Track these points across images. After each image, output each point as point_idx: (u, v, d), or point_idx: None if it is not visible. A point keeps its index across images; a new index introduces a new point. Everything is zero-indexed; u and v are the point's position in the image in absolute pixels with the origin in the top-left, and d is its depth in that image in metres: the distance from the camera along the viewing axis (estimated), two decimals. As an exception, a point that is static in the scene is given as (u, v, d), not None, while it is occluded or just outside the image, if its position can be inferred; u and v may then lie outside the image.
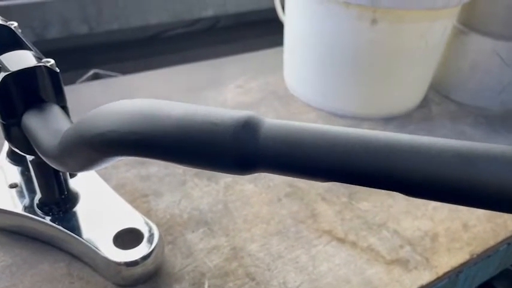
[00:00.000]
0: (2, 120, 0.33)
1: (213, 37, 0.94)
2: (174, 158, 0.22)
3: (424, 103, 0.67)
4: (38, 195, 0.40)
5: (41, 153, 0.30)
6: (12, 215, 0.40)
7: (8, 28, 0.38)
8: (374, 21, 0.54)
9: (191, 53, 0.92)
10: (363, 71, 0.59)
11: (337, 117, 0.62)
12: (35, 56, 0.34)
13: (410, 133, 0.64)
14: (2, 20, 0.38)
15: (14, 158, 0.45)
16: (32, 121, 0.32)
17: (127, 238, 0.38)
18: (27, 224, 0.40)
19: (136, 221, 0.39)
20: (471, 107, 0.67)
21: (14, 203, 0.41)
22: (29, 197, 0.41)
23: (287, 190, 0.49)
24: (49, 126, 0.30)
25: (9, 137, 0.34)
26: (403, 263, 0.42)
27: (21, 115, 0.33)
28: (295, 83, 0.66)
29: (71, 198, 0.40)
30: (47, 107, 0.33)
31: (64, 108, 0.35)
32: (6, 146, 0.47)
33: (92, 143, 0.24)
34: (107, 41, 0.81)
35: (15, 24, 0.39)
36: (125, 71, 0.78)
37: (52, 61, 0.34)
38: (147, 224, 0.39)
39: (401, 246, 0.43)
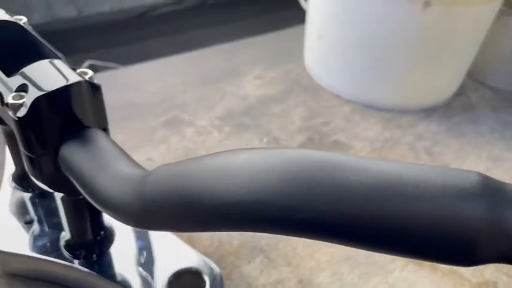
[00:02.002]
0: (30, 152, 0.25)
1: (203, 17, 0.85)
2: (379, 245, 0.15)
3: (460, 90, 0.62)
4: (66, 236, 0.32)
5: (97, 201, 0.22)
6: (30, 259, 0.32)
7: (17, 25, 0.29)
8: (427, 4, 0.47)
9: (184, 33, 0.83)
10: (407, 58, 0.52)
11: (374, 110, 0.56)
12: (69, 67, 0.25)
13: (455, 125, 0.60)
14: (7, 14, 0.29)
15: (22, 183, 0.37)
16: (77, 156, 0.24)
17: (184, 283, 0.31)
18: (50, 269, 0.33)
19: (191, 259, 0.32)
20: (507, 92, 0.62)
21: (31, 244, 0.33)
22: (51, 235, 0.33)
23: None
24: (106, 165, 0.23)
25: (37, 173, 0.26)
26: (490, 286, 0.37)
27: (57, 146, 0.25)
28: (323, 72, 0.59)
29: (107, 237, 0.33)
30: (91, 134, 0.25)
31: (105, 131, 0.27)
32: (10, 167, 0.38)
33: (218, 213, 0.17)
34: (96, 24, 0.71)
35: (24, 19, 0.30)
36: (117, 58, 0.69)
37: (90, 72, 0.26)
38: (205, 263, 0.32)
39: (484, 267, 0.38)
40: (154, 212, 0.20)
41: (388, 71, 0.54)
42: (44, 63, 0.25)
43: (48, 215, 0.35)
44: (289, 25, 0.89)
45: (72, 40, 0.63)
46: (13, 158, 0.36)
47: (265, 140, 0.50)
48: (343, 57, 0.56)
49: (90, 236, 0.31)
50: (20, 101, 0.24)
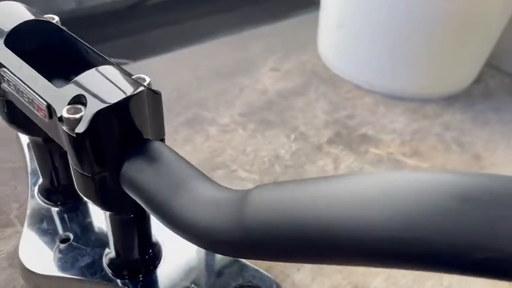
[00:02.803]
0: (85, 171, 0.22)
1: (202, 5, 0.81)
2: None
3: (478, 77, 0.60)
4: (110, 254, 0.30)
5: (176, 225, 0.20)
6: (70, 280, 0.30)
7: (52, 25, 0.26)
8: (458, -10, 0.45)
9: (184, 23, 0.80)
10: (431, 45, 0.51)
11: (396, 100, 0.54)
12: (125, 73, 0.23)
13: (479, 114, 0.59)
14: (38, 13, 0.26)
15: (50, 197, 0.34)
16: (145, 175, 0.21)
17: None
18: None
19: (248, 273, 0.30)
20: (524, 77, 0.62)
21: (71, 264, 0.30)
22: (91, 254, 0.30)
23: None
24: (183, 185, 0.20)
25: (90, 192, 0.23)
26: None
27: (117, 163, 0.22)
28: (343, 62, 0.57)
29: (155, 254, 0.30)
30: (155, 148, 0.22)
31: (162, 142, 0.24)
32: (36, 178, 0.35)
33: (353, 248, 0.15)
34: (95, 16, 0.67)
35: (56, 18, 0.27)
36: (119, 50, 0.66)
37: (147, 78, 0.23)
38: (263, 276, 0.30)
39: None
40: (256, 241, 0.17)
41: (411, 59, 0.53)
42: (99, 70, 0.22)
43: (85, 232, 0.32)
44: (291, 12, 0.87)
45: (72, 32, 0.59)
46: (41, 170, 0.33)
47: (292, 136, 0.48)
48: (365, 46, 0.54)
49: (138, 255, 0.29)
50: (77, 115, 0.21)
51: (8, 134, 0.43)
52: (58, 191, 0.34)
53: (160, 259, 0.30)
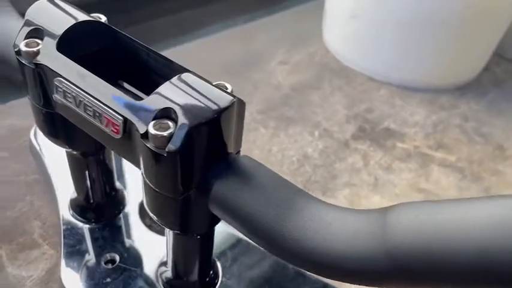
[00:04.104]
0: (169, 192, 0.20)
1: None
2: None
3: (485, 65, 0.61)
4: (166, 273, 0.27)
5: (295, 254, 0.18)
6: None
7: (105, 26, 0.23)
8: (482, -22, 0.44)
9: (181, 12, 0.76)
10: (446, 35, 0.50)
11: (410, 91, 0.54)
12: (206, 81, 0.20)
13: (492, 103, 0.59)
14: (84, 13, 0.23)
15: (85, 213, 0.31)
16: (244, 196, 0.19)
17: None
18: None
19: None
20: (526, 64, 0.62)
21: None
22: (142, 275, 0.28)
23: (419, 196, 0.41)
24: (294, 207, 0.18)
25: (168, 214, 0.21)
26: None
27: (203, 182, 0.19)
28: (354, 53, 0.55)
29: (215, 272, 0.28)
30: (243, 164, 0.20)
31: (238, 154, 0.22)
32: (70, 193, 0.32)
33: None
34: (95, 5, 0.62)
35: (104, 17, 0.24)
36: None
37: (228, 85, 0.21)
38: (331, 290, 0.28)
39: None
40: (407, 268, 0.15)
41: (425, 50, 0.52)
42: (182, 79, 0.19)
43: (130, 251, 0.29)
44: (284, 1, 0.84)
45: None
46: (76, 186, 0.29)
47: (316, 133, 0.46)
48: (379, 37, 0.52)
49: (197, 276, 0.26)
50: (166, 132, 0.18)
51: (17, 143, 0.39)
52: (92, 207, 0.30)
53: (219, 278, 0.28)
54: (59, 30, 0.21)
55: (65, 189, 0.32)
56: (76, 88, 0.20)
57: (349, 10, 0.53)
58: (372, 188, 0.41)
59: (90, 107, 0.20)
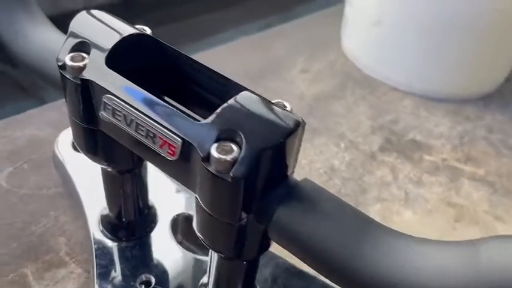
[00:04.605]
0: (227, 218, 0.19)
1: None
2: None
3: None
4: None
5: None
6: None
7: (153, 40, 0.22)
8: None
9: (191, 19, 0.75)
10: (471, 44, 0.49)
11: (434, 102, 0.53)
12: (266, 100, 0.19)
13: None
14: (130, 26, 0.22)
15: (116, 232, 0.29)
16: (311, 226, 0.18)
17: None
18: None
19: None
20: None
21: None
22: (180, 298, 0.26)
23: (451, 211, 0.39)
24: (365, 240, 0.17)
25: (228, 240, 0.20)
26: None
27: (269, 208, 0.18)
28: (377, 62, 0.54)
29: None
30: (306, 188, 0.19)
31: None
32: (99, 209, 0.30)
33: None
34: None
35: (148, 30, 0.23)
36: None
37: (288, 105, 0.20)
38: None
39: None
40: None
41: (449, 59, 0.51)
42: (243, 98, 0.18)
43: (165, 272, 0.28)
44: (296, 6, 0.83)
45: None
46: (110, 203, 0.28)
47: (342, 145, 0.45)
48: (402, 46, 0.51)
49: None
50: (229, 156, 0.17)
51: (37, 154, 0.38)
52: (125, 225, 0.29)
53: (260, 301, 0.27)
54: (107, 44, 0.20)
55: (93, 205, 0.31)
56: (128, 106, 0.19)
57: (371, 18, 0.52)
58: (403, 203, 0.40)
59: (143, 126, 0.19)
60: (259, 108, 0.18)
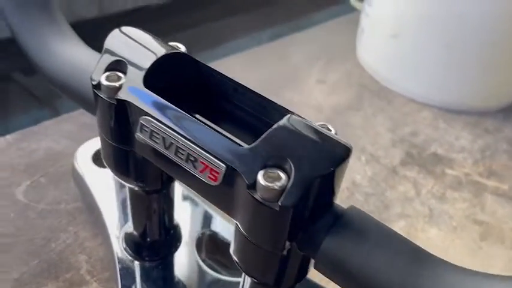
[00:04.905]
0: (270, 246, 0.18)
1: (214, 7, 0.76)
2: None
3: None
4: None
5: None
6: None
7: (189, 58, 0.21)
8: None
9: (200, 26, 0.75)
10: (489, 57, 0.49)
11: (453, 114, 0.52)
12: (311, 124, 0.18)
13: None
14: (166, 44, 0.21)
15: (140, 252, 0.28)
16: (362, 257, 0.17)
17: None
18: None
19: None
20: None
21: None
22: (209, 322, 0.26)
23: (476, 228, 0.39)
24: (419, 274, 0.16)
25: (270, 268, 0.19)
26: None
27: (316, 237, 0.17)
28: (394, 73, 0.53)
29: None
30: (354, 216, 0.18)
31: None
32: (121, 227, 0.29)
33: None
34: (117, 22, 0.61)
35: (182, 47, 0.22)
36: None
37: (332, 129, 0.19)
38: None
39: None
40: None
41: (468, 71, 0.50)
42: (290, 123, 0.17)
43: (193, 293, 0.27)
44: (302, 14, 0.83)
45: (94, 42, 0.53)
46: (135, 223, 0.27)
47: (363, 158, 0.44)
48: (421, 57, 0.51)
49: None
50: (277, 185, 0.16)
51: (54, 168, 0.37)
52: (150, 244, 0.28)
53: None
54: (144, 63, 0.19)
55: (115, 222, 0.30)
56: (167, 129, 0.18)
57: (389, 30, 0.52)
58: (427, 220, 0.39)
59: (184, 150, 0.18)
60: (308, 134, 0.17)
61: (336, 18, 0.70)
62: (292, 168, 0.16)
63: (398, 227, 0.38)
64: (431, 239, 0.37)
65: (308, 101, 0.51)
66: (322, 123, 0.19)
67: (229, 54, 0.72)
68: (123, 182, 0.24)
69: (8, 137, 0.40)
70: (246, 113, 0.20)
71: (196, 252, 0.30)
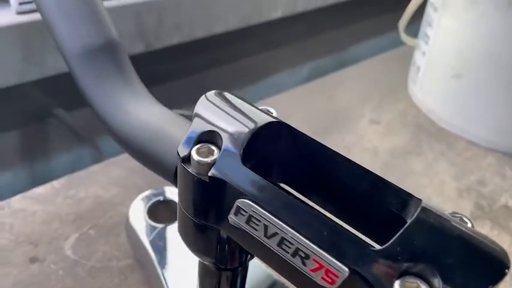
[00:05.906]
0: None
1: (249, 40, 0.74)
2: None
3: None
4: None
5: None
6: None
7: (287, 127, 0.18)
8: None
9: (236, 61, 0.73)
10: None
11: (520, 160, 0.48)
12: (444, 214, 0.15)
13: None
14: (259, 109, 0.19)
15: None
16: None
17: None
18: None
19: None
20: None
21: None
22: None
23: None
24: None
25: None
26: None
27: None
28: (455, 115, 0.50)
29: None
30: None
31: None
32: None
33: None
34: (162, 60, 0.60)
35: (274, 111, 0.19)
36: (178, 94, 0.58)
37: (468, 221, 0.16)
38: None
39: None
40: None
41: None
42: (429, 218, 0.15)
43: None
44: (343, 47, 0.81)
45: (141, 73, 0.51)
46: None
47: (429, 210, 0.41)
48: (485, 99, 0.47)
49: None
50: (420, 296, 0.13)
51: (103, 219, 0.35)
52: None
53: None
54: (241, 136, 0.17)
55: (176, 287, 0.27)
56: (272, 217, 0.15)
57: (450, 70, 0.49)
58: (508, 285, 0.35)
59: (292, 244, 0.15)
60: (456, 235, 0.14)
61: (381, 53, 0.67)
62: (439, 280, 0.13)
63: None
64: None
65: (362, 143, 0.48)
66: (453, 212, 0.16)
67: (268, 90, 0.70)
68: (198, 258, 0.21)
69: (54, 183, 0.38)
70: (355, 193, 0.17)
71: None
